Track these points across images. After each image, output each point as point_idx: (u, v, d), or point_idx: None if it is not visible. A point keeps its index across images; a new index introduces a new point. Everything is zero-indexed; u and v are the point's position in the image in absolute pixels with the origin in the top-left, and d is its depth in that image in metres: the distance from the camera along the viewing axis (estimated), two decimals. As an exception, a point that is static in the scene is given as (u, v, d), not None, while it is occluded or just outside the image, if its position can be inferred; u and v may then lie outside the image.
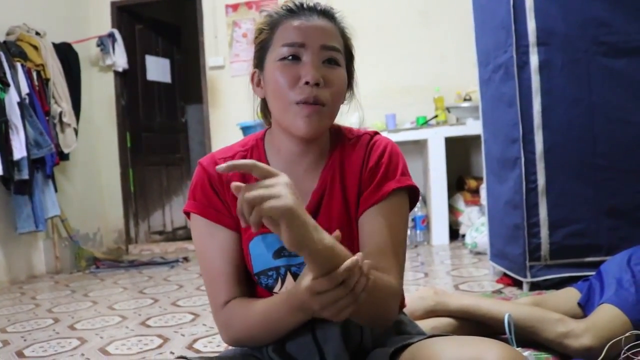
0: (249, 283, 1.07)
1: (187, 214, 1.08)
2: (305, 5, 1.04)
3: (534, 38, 2.31)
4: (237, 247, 1.05)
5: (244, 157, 1.07)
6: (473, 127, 3.93)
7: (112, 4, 5.23)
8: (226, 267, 1.04)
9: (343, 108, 1.09)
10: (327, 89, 0.99)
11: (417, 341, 0.96)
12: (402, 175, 1.05)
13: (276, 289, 1.05)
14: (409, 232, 4.21)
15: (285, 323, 0.95)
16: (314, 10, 1.04)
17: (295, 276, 1.03)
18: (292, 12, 1.04)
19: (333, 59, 1.01)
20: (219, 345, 2.05)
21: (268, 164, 1.05)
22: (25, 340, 2.36)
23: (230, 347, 1.11)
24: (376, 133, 1.11)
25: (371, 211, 1.02)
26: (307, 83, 0.97)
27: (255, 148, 1.10)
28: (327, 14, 1.05)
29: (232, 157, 1.07)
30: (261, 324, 0.98)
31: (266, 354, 1.04)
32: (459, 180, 4.43)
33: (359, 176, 1.06)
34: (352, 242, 1.03)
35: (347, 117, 1.02)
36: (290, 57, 1.00)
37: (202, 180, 1.06)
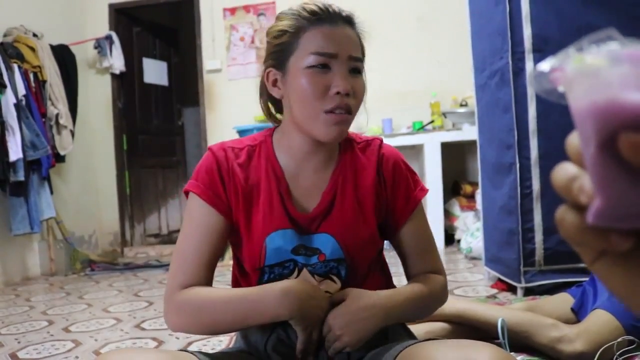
0: (210, 278, 1.06)
1: (187, 193, 1.08)
2: (330, 11, 1.03)
3: (530, 45, 2.33)
4: (221, 235, 1.06)
5: (252, 151, 1.09)
6: (469, 132, 3.94)
7: (110, 6, 5.24)
8: (203, 248, 1.04)
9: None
10: (353, 98, 1.02)
11: (409, 345, 0.97)
12: (419, 183, 1.16)
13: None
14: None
15: (259, 315, 0.98)
16: (339, 16, 1.04)
17: (310, 274, 1.05)
18: (318, 16, 1.02)
19: (357, 69, 1.04)
20: (213, 348, 2.05)
21: (277, 160, 1.08)
22: (19, 342, 2.35)
23: (227, 347, 1.12)
24: (381, 140, 1.16)
25: (409, 222, 1.13)
26: (338, 93, 0.99)
27: (264, 144, 1.11)
28: (350, 20, 1.06)
29: (241, 150, 1.09)
30: (228, 309, 0.99)
31: (264, 353, 1.06)
32: (455, 185, 4.44)
33: (373, 181, 1.10)
34: (363, 239, 1.07)
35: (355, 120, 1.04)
36: (320, 66, 1.00)
37: (210, 164, 1.07)
